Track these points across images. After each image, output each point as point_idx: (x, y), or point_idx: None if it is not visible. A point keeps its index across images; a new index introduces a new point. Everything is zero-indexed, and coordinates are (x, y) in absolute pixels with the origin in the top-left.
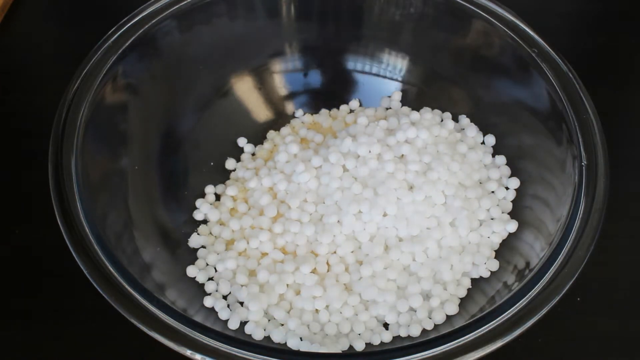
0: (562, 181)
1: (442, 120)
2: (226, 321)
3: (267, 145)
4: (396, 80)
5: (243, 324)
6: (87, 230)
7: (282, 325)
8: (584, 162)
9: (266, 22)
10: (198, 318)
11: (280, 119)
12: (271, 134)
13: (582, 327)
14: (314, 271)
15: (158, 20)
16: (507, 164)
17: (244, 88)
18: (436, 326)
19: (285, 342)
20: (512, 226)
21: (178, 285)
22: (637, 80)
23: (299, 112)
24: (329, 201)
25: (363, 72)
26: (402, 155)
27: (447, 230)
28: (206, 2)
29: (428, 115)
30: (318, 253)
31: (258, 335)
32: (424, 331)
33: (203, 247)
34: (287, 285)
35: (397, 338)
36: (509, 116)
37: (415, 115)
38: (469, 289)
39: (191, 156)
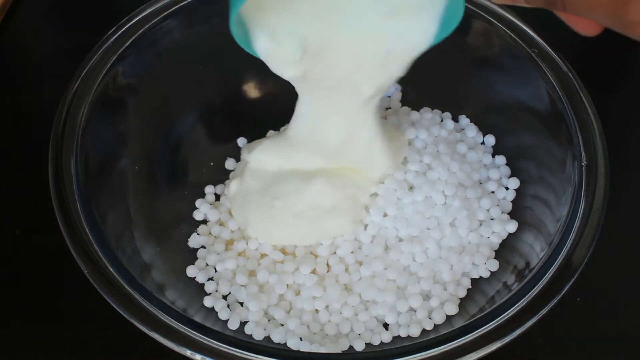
0: (562, 181)
1: (442, 120)
2: (226, 321)
3: None
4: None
5: (243, 324)
6: (87, 230)
7: (282, 325)
8: (584, 162)
9: None
10: (198, 318)
11: (280, 119)
12: (271, 133)
13: (582, 327)
14: (313, 271)
15: (158, 20)
16: (507, 164)
17: (244, 88)
18: (436, 326)
19: (285, 342)
20: (512, 226)
21: (178, 285)
22: (637, 80)
23: None
24: None
25: None
26: None
27: (447, 230)
28: (206, 2)
29: (428, 115)
30: (318, 254)
31: (258, 336)
32: (424, 331)
33: (203, 247)
34: (287, 285)
35: (397, 338)
36: (509, 116)
37: (415, 115)
38: (468, 289)
39: (191, 156)
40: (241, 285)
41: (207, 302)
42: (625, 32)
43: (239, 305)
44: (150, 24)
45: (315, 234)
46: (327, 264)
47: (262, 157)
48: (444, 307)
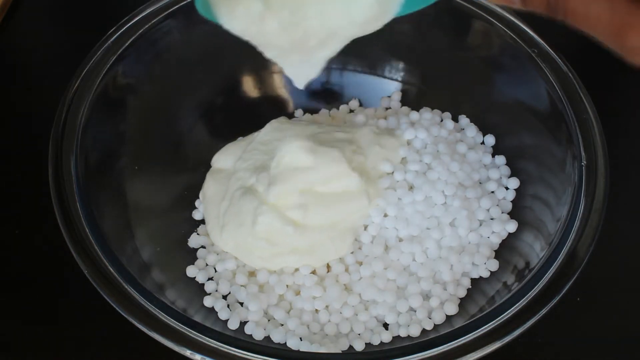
0: (562, 181)
1: (441, 120)
2: (226, 321)
3: None
4: (396, 80)
5: (243, 324)
6: (87, 230)
7: (282, 325)
8: (584, 162)
9: None
10: (198, 318)
11: None
12: None
13: (582, 327)
14: (313, 272)
15: (158, 20)
16: (506, 164)
17: (244, 88)
18: (436, 326)
19: (285, 342)
20: (512, 226)
21: (178, 285)
22: (637, 80)
23: (299, 112)
24: None
25: (363, 72)
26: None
27: (446, 230)
28: None
29: (428, 115)
30: None
31: (258, 335)
32: (424, 331)
33: (203, 247)
34: (287, 285)
35: (396, 338)
36: (509, 116)
37: (414, 115)
38: (468, 289)
39: (191, 156)
40: (241, 285)
41: (207, 302)
42: (624, 56)
43: (239, 305)
44: (150, 24)
45: (294, 261)
46: (327, 264)
47: (221, 157)
48: (444, 307)
